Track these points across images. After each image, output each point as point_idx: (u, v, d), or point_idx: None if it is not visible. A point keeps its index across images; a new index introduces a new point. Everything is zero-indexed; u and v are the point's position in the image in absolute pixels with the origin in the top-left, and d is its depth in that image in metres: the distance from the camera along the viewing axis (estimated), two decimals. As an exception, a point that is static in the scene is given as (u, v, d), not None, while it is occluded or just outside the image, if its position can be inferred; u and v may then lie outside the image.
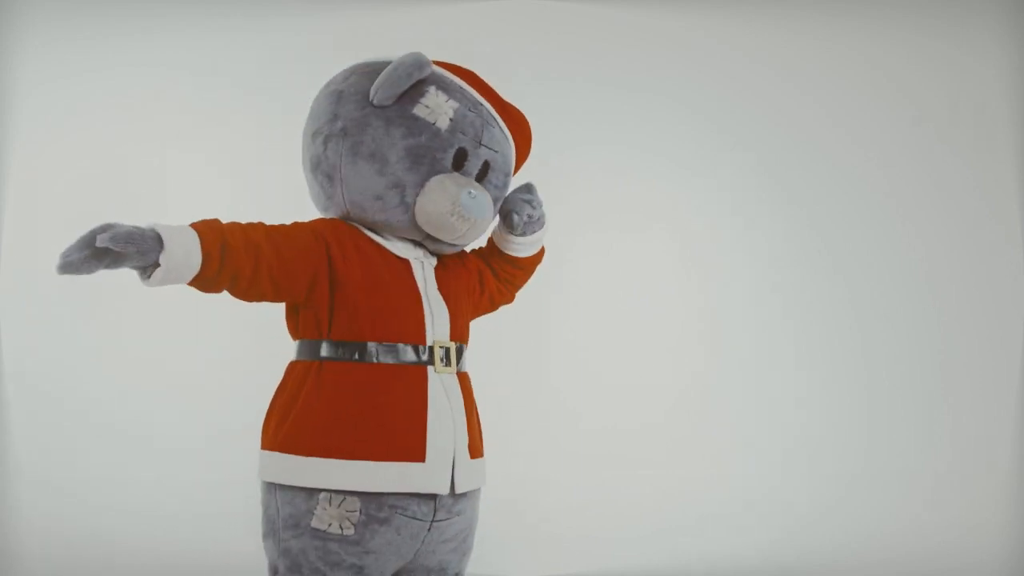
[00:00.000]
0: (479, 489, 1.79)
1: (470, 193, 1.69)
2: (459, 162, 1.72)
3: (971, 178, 3.30)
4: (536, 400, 3.15)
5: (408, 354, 1.68)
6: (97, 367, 3.16)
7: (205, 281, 1.58)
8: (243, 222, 1.65)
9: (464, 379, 1.76)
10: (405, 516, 1.67)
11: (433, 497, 1.68)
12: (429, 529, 1.70)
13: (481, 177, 1.75)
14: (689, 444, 3.23)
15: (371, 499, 1.65)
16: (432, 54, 1.74)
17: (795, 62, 3.32)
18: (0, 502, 3.10)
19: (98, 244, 1.46)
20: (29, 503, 3.10)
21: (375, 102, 1.70)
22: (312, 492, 1.65)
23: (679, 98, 3.30)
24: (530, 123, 1.89)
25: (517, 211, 1.81)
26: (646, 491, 3.17)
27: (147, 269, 1.52)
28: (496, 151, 1.76)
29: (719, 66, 3.32)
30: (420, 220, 1.70)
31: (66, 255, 1.47)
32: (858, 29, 3.30)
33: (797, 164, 3.33)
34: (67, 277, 1.52)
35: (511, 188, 1.86)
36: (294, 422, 1.66)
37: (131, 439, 3.14)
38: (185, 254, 1.54)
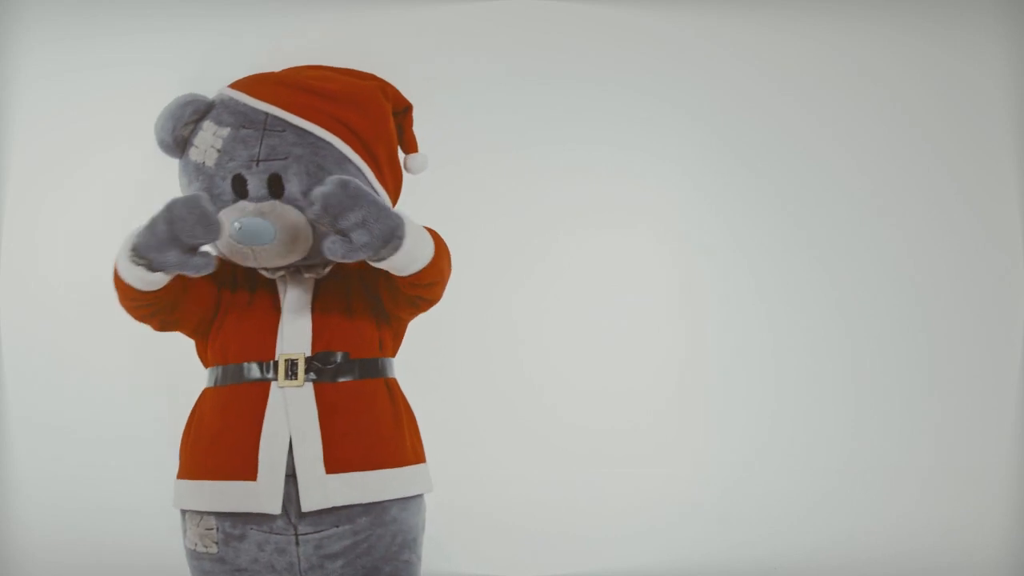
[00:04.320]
0: (383, 502, 1.65)
1: (236, 225, 1.61)
2: (240, 189, 1.65)
3: (971, 179, 3.30)
4: (521, 400, 3.15)
5: (252, 372, 1.66)
6: (97, 366, 3.16)
7: (151, 301, 1.63)
8: None
9: (330, 389, 1.65)
10: (261, 531, 1.65)
11: (286, 511, 1.63)
12: (297, 543, 1.65)
13: (278, 192, 1.64)
14: (675, 442, 3.23)
15: (225, 517, 1.66)
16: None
17: (793, 65, 3.32)
18: (-1, 501, 3.11)
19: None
20: (28, 503, 3.11)
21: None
22: (183, 513, 1.71)
23: (677, 99, 3.30)
24: (375, 86, 1.73)
25: (327, 246, 1.58)
26: (633, 490, 3.16)
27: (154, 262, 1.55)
28: (284, 158, 1.63)
29: (718, 68, 3.32)
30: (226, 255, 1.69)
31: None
32: (855, 31, 3.30)
33: (790, 166, 3.33)
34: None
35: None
36: (179, 450, 1.74)
37: (131, 439, 3.14)
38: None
